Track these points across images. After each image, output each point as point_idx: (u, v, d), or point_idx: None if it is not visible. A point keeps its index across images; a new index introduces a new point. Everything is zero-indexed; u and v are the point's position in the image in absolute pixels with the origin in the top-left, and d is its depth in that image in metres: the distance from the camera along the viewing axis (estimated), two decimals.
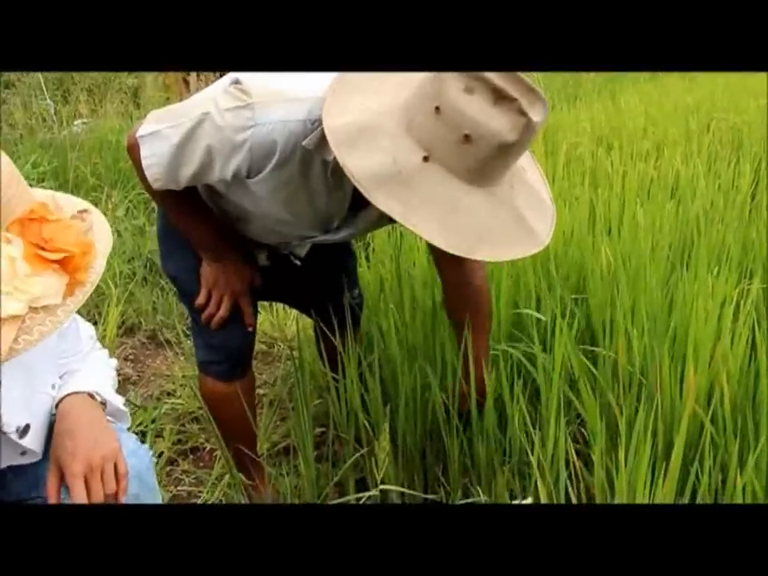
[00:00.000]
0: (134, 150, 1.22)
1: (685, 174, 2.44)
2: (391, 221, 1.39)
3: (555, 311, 1.53)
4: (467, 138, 0.96)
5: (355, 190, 1.22)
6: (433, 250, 1.49)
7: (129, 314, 2.77)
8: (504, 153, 0.99)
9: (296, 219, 1.28)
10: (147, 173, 1.21)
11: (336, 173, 1.15)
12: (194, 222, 1.36)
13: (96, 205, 3.40)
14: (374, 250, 2.33)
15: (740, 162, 2.62)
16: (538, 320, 1.62)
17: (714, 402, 1.28)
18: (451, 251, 0.98)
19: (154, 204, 3.76)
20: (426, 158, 0.98)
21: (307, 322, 2.07)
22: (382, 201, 0.96)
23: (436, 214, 0.98)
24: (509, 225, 1.04)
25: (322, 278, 1.63)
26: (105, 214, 3.21)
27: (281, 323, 2.75)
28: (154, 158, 1.19)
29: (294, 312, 2.81)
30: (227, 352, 1.48)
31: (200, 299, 1.42)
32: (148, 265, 3.06)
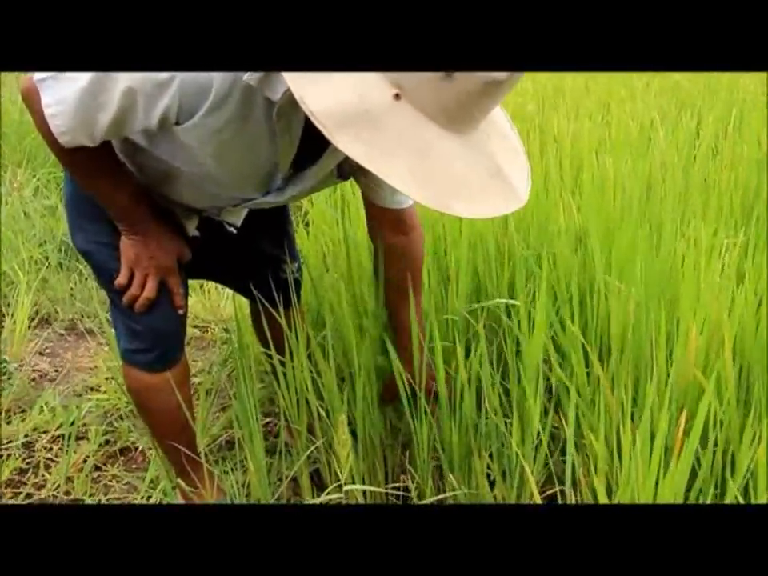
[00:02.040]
0: (31, 96, 0.98)
1: (635, 129, 2.33)
2: (340, 176, 1.21)
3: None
4: (448, 74, 0.80)
5: (303, 139, 1.03)
6: (371, 213, 1.34)
7: (43, 303, 2.51)
8: (488, 93, 0.83)
9: (231, 177, 1.08)
10: (51, 124, 0.98)
11: (283, 116, 0.96)
12: (109, 185, 1.13)
13: None
14: (312, 221, 2.13)
15: (691, 116, 2.54)
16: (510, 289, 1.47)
17: (711, 364, 1.15)
18: (425, 203, 0.82)
19: None
20: (397, 96, 0.81)
21: (244, 300, 1.87)
22: (346, 143, 0.77)
23: (407, 161, 0.81)
24: (486, 178, 0.89)
25: (260, 249, 1.43)
26: (9, 195, 2.89)
27: (213, 305, 2.53)
28: (58, 107, 0.96)
29: (229, 291, 2.60)
30: (154, 338, 1.27)
31: (120, 278, 1.20)
32: (63, 248, 2.78)
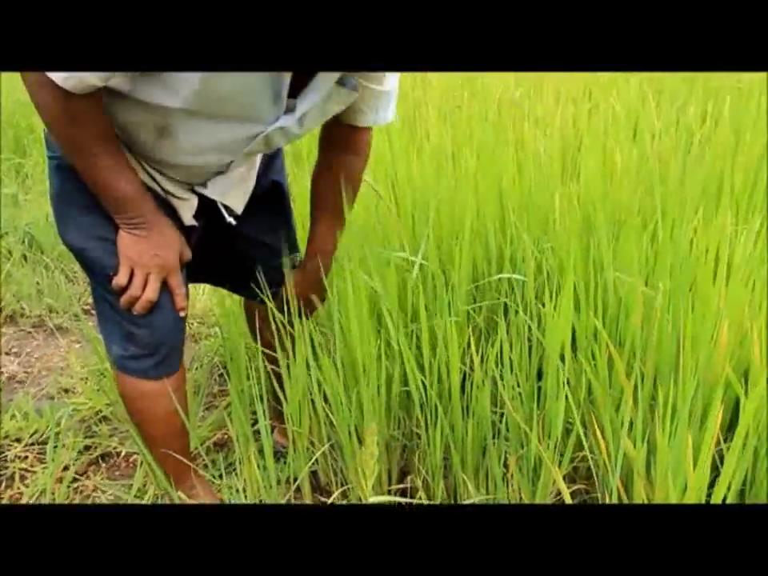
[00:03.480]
0: None
1: (623, 114, 2.29)
2: (350, 88, 1.08)
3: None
4: None
5: None
6: (334, 134, 1.25)
7: (8, 300, 2.37)
8: None
9: (234, 97, 0.97)
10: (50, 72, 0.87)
11: None
12: (111, 167, 1.02)
13: None
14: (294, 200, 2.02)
15: (672, 104, 2.52)
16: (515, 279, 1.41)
17: (736, 357, 1.11)
18: None
19: (27, 169, 3.28)
20: None
21: (223, 294, 1.77)
22: None
23: None
24: None
25: (259, 240, 1.33)
26: None
27: (190, 300, 2.42)
28: None
29: (204, 285, 2.50)
30: (155, 343, 1.16)
31: (120, 278, 1.09)
32: (26, 240, 2.63)
